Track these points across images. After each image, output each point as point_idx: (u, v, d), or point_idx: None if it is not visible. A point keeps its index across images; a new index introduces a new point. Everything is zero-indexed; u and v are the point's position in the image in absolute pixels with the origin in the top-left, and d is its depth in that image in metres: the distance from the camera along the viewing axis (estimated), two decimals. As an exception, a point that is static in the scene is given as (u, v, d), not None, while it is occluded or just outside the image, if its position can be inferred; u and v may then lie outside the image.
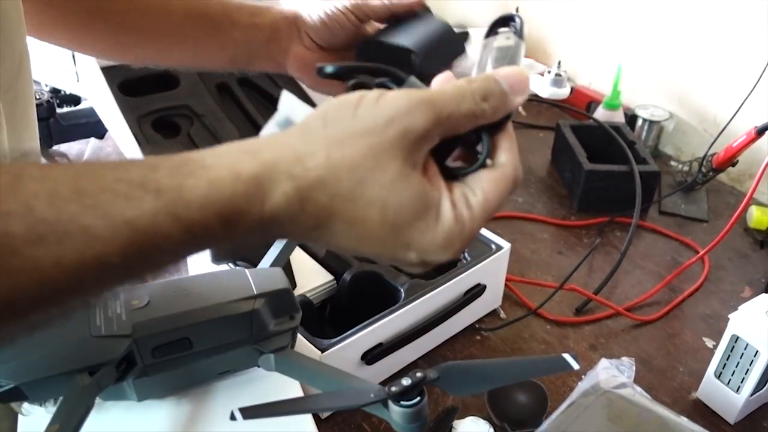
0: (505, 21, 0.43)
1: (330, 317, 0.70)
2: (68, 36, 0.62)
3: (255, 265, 0.60)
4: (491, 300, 0.76)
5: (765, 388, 0.63)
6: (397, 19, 0.60)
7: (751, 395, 0.62)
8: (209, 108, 0.94)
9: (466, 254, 0.74)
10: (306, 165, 0.31)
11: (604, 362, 0.61)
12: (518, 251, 0.87)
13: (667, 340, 0.74)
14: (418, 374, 0.43)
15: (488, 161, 0.35)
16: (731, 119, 0.93)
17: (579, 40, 1.27)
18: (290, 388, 0.54)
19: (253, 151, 0.32)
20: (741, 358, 0.62)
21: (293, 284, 0.67)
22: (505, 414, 0.62)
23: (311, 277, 0.70)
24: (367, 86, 0.38)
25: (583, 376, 0.61)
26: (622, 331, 0.76)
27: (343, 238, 0.33)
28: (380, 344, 0.63)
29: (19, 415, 0.49)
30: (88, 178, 0.29)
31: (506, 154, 0.36)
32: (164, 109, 0.93)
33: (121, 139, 0.92)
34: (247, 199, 0.31)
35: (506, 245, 0.73)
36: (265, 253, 0.58)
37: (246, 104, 0.98)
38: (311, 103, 0.49)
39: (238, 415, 0.43)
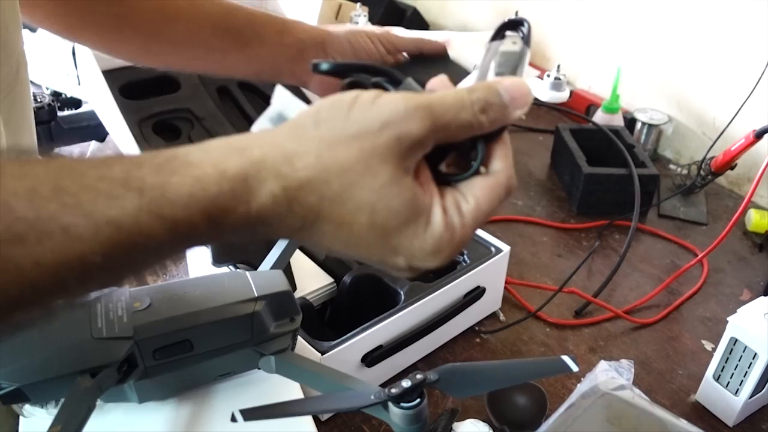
0: (514, 25, 0.41)
1: (330, 320, 0.70)
2: (97, 39, 0.62)
3: (255, 268, 0.60)
4: (491, 303, 0.76)
5: (764, 390, 0.63)
6: (422, 56, 0.61)
7: (750, 398, 0.62)
8: (210, 111, 0.94)
9: (465, 257, 0.74)
10: (295, 165, 0.31)
11: (603, 364, 0.61)
12: (518, 254, 0.87)
13: (666, 343, 0.75)
14: (418, 376, 0.43)
15: (482, 169, 0.35)
16: (730, 123, 0.94)
17: (578, 44, 1.28)
18: (290, 390, 0.54)
19: (241, 148, 0.31)
20: (740, 360, 0.62)
21: (293, 287, 0.67)
22: (504, 416, 0.62)
23: (311, 279, 0.71)
24: (362, 85, 0.37)
25: (582, 379, 0.61)
26: (621, 333, 0.76)
27: (330, 240, 0.33)
28: (380, 346, 0.64)
29: (21, 417, 0.49)
30: (69, 176, 0.28)
31: (501, 163, 0.35)
32: (165, 112, 0.93)
33: (121, 142, 0.92)
34: (233, 197, 0.30)
35: (506, 248, 0.74)
36: (265, 256, 0.58)
37: (246, 107, 0.98)
38: (306, 101, 0.48)
39: (238, 416, 0.43)
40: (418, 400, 0.43)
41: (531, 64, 1.34)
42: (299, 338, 0.58)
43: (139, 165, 0.30)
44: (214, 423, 0.52)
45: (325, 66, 0.37)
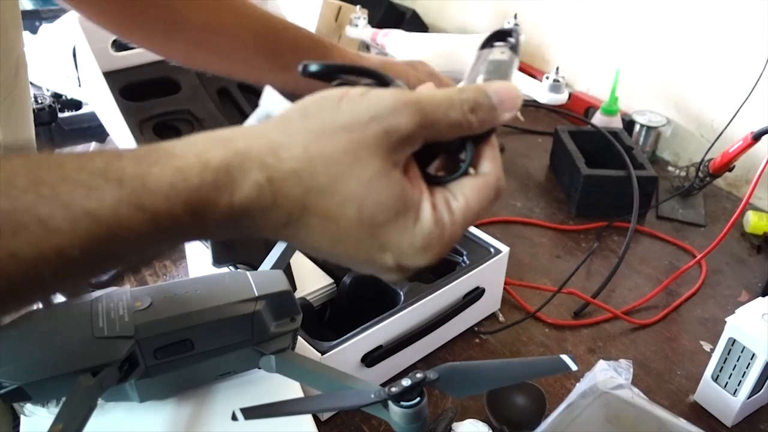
0: (503, 35, 0.41)
1: (330, 320, 0.71)
2: (145, 41, 0.64)
3: (255, 268, 0.60)
4: (490, 303, 0.76)
5: (762, 390, 0.63)
6: None
7: (748, 398, 0.63)
8: (210, 113, 0.95)
9: (465, 258, 0.74)
10: (280, 156, 0.30)
11: (601, 364, 0.61)
12: (517, 255, 0.88)
13: (664, 344, 0.75)
14: (418, 375, 0.43)
15: (471, 170, 0.34)
16: (728, 125, 0.94)
17: (577, 46, 1.28)
18: (291, 390, 0.55)
19: (226, 139, 0.31)
20: (738, 361, 0.62)
21: (293, 287, 0.67)
22: (503, 416, 0.62)
23: (311, 280, 0.71)
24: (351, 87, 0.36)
25: (581, 378, 0.62)
26: (620, 334, 0.76)
27: (317, 237, 0.32)
28: (380, 347, 0.64)
29: (22, 416, 0.50)
30: (47, 168, 0.28)
31: (490, 164, 0.35)
32: (165, 113, 0.94)
33: (122, 143, 0.92)
34: (215, 188, 0.29)
35: (505, 249, 0.74)
36: (265, 257, 0.59)
37: (246, 109, 0.98)
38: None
39: (239, 415, 0.43)
40: (418, 399, 0.43)
41: (531, 66, 1.34)
42: (299, 338, 0.58)
43: (119, 157, 0.29)
44: (215, 422, 0.52)
45: (314, 67, 0.37)
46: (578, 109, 1.22)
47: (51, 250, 0.27)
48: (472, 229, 0.77)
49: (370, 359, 0.63)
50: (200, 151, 0.30)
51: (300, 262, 0.72)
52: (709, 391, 0.66)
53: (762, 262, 0.89)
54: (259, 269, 0.58)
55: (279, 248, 0.58)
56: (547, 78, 0.98)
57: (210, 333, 0.49)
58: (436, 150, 0.35)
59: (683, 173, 1.02)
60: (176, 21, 0.60)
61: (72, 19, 0.93)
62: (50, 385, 0.44)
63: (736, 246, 0.92)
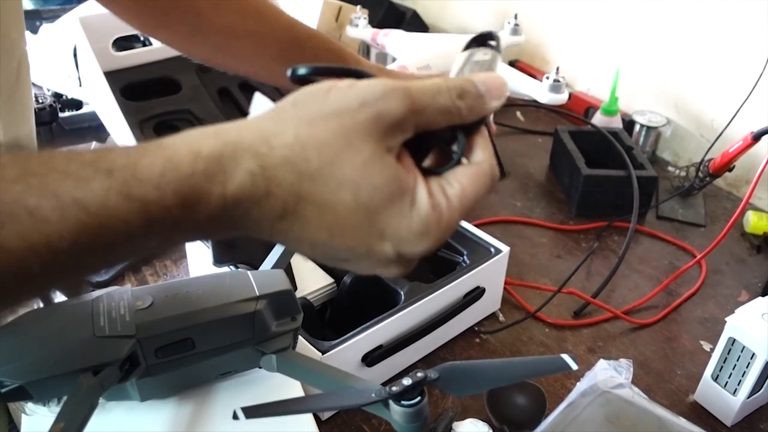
0: (483, 39, 0.42)
1: (330, 320, 0.71)
2: (169, 39, 0.64)
3: (256, 268, 0.60)
4: (490, 303, 0.76)
5: (762, 390, 0.63)
6: None
7: (748, 397, 0.63)
8: (210, 112, 0.95)
9: (465, 257, 0.74)
10: (272, 144, 0.30)
11: (602, 363, 0.61)
12: (517, 255, 0.88)
13: (664, 343, 0.75)
14: (419, 374, 0.43)
15: (464, 160, 0.35)
16: (728, 125, 0.94)
17: (577, 47, 1.28)
18: (291, 389, 0.55)
19: (218, 132, 0.30)
20: (738, 360, 0.62)
21: (294, 287, 0.68)
22: (503, 416, 0.62)
23: (312, 279, 0.71)
24: None
25: (581, 378, 0.62)
26: (620, 334, 0.76)
27: (313, 229, 0.31)
28: (380, 346, 0.64)
29: (23, 415, 0.50)
30: (38, 161, 0.28)
31: (482, 153, 0.35)
32: (166, 113, 0.94)
33: (122, 143, 0.93)
34: (207, 178, 0.29)
35: (505, 249, 0.74)
36: (265, 257, 0.59)
37: (247, 109, 0.98)
38: None
39: (240, 414, 0.43)
40: (418, 398, 0.43)
41: (531, 66, 1.35)
42: (299, 338, 0.58)
43: (109, 150, 0.29)
44: (216, 421, 0.52)
45: (302, 70, 0.37)
46: (578, 109, 1.22)
47: (40, 242, 0.26)
48: (473, 229, 0.77)
49: (371, 359, 0.63)
50: (191, 142, 0.30)
51: (300, 262, 0.72)
52: (709, 391, 0.66)
53: (762, 262, 0.89)
54: (260, 269, 0.58)
55: (279, 248, 0.58)
56: (548, 78, 0.98)
57: (211, 332, 0.49)
58: (429, 144, 0.35)
59: (683, 173, 1.02)
60: (200, 23, 0.60)
61: (73, 18, 0.93)
62: (51, 385, 0.44)
63: (736, 246, 0.92)
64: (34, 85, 1.07)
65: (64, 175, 0.27)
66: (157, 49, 0.99)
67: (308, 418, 0.53)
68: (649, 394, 0.61)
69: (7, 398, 0.45)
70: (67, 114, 1.09)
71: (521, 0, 1.32)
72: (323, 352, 0.59)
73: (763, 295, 0.67)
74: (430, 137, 0.34)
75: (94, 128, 1.06)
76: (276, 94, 0.89)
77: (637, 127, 1.11)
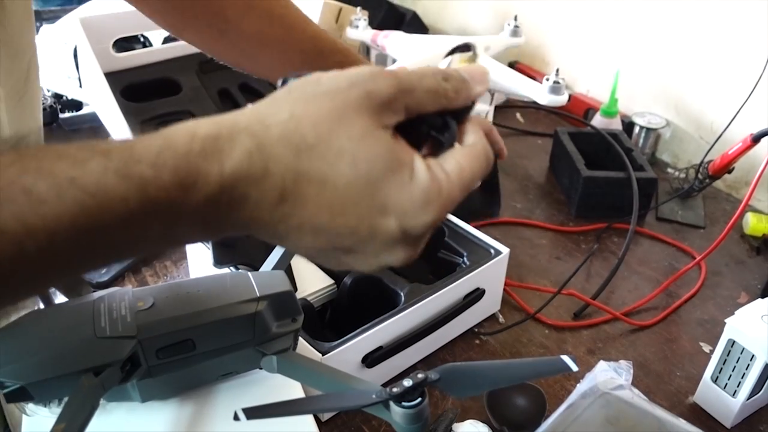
0: (461, 49, 0.45)
1: (330, 321, 0.71)
2: (197, 42, 0.65)
3: (257, 269, 0.61)
4: (490, 304, 0.77)
5: (761, 391, 0.63)
6: None
7: (748, 399, 0.63)
8: (211, 113, 0.95)
9: (465, 259, 0.74)
10: (267, 123, 0.31)
11: (602, 364, 0.61)
12: (517, 256, 0.88)
13: (664, 345, 0.75)
14: (420, 375, 0.43)
15: (456, 144, 0.36)
16: (727, 127, 0.94)
17: (577, 48, 1.28)
18: (292, 390, 0.55)
19: (214, 118, 0.31)
20: (737, 362, 0.62)
21: (294, 288, 0.68)
22: (503, 417, 0.62)
23: (312, 280, 0.71)
24: None
25: (581, 379, 0.62)
26: (619, 335, 0.76)
27: (314, 208, 0.31)
28: (380, 347, 0.64)
29: (24, 416, 0.50)
30: (35, 148, 0.28)
31: (474, 136, 0.36)
32: (166, 114, 0.94)
33: (123, 144, 0.93)
34: (204, 157, 0.29)
35: (505, 250, 0.74)
36: (266, 257, 0.59)
37: (247, 110, 0.98)
38: None
39: (241, 415, 0.43)
40: (419, 399, 0.43)
41: (531, 68, 1.35)
42: (300, 339, 0.58)
43: (107, 139, 0.30)
44: (216, 422, 0.52)
45: (294, 79, 0.37)
46: (578, 110, 1.23)
47: (37, 224, 0.26)
48: (473, 231, 0.77)
49: (371, 360, 0.63)
50: (189, 126, 0.30)
51: (301, 263, 0.72)
52: (708, 392, 0.66)
53: (761, 263, 0.89)
54: (260, 270, 0.58)
55: (280, 249, 0.58)
56: (547, 80, 0.98)
57: (212, 333, 0.49)
58: (422, 134, 0.36)
59: (683, 175, 1.02)
60: (227, 28, 0.61)
61: (73, 19, 0.94)
62: (52, 385, 0.44)
63: (736, 248, 0.92)
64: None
65: (60, 157, 0.27)
66: (157, 50, 0.99)
67: (308, 419, 0.53)
68: (648, 396, 0.61)
69: (8, 399, 0.45)
70: (67, 115, 1.09)
71: (521, 1, 1.32)
72: (323, 353, 0.59)
73: (763, 297, 0.67)
74: (422, 126, 0.35)
75: (94, 129, 1.06)
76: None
77: (636, 129, 1.11)
